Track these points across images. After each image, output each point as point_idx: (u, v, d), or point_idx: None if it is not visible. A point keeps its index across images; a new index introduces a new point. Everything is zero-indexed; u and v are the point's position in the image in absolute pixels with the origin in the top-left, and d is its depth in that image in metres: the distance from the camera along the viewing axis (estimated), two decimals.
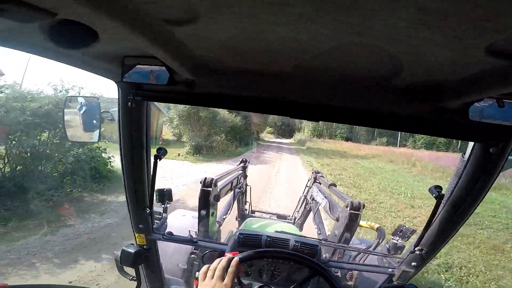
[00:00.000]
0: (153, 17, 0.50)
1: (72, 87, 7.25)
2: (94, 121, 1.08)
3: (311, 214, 2.80)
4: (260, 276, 1.26)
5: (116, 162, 8.45)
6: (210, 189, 1.69)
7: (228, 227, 2.68)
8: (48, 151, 6.27)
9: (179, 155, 12.82)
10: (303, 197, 3.30)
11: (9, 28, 0.52)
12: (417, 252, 1.13)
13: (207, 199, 1.69)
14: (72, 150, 6.85)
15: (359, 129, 41.63)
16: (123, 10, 0.45)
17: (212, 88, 0.88)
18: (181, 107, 13.79)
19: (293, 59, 0.65)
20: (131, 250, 1.25)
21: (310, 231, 2.81)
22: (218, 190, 1.86)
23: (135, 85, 0.87)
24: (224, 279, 0.78)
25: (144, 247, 1.29)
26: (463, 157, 0.93)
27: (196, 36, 0.59)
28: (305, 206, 3.11)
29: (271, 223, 2.45)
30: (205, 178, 1.72)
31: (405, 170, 15.72)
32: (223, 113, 16.85)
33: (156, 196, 1.40)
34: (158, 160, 1.06)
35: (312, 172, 3.21)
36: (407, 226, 1.44)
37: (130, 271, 1.31)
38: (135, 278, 1.33)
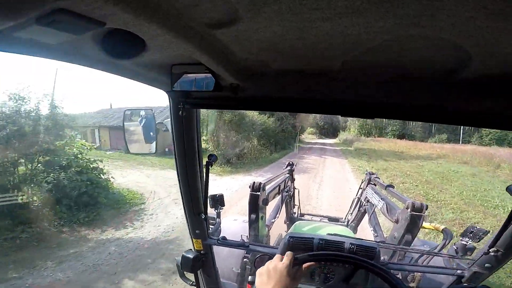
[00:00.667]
0: (195, 21, 0.51)
1: (28, 93, 5.94)
2: (151, 133, 1.15)
3: (366, 216, 2.67)
4: (312, 279, 1.22)
5: (117, 182, 7.50)
6: (259, 193, 1.71)
7: (277, 230, 2.65)
8: (15, 177, 4.97)
9: None
10: (356, 199, 3.18)
11: (64, 41, 0.54)
12: (492, 254, 1.05)
13: (256, 203, 1.72)
14: (52, 173, 5.55)
15: (414, 125, 37.68)
16: (165, 16, 0.47)
17: (256, 91, 0.88)
18: (203, 111, 13.11)
19: (342, 56, 0.62)
20: (190, 255, 1.30)
21: (365, 234, 2.69)
22: (266, 194, 1.87)
23: (184, 93, 0.89)
24: (281, 275, 0.80)
25: (201, 252, 1.33)
26: None
27: (238, 38, 0.59)
28: (359, 208, 2.99)
29: (323, 226, 2.41)
30: (254, 183, 1.76)
31: (487, 173, 12.57)
32: (252, 114, 15.35)
33: (209, 202, 1.41)
34: (209, 166, 1.09)
35: (366, 173, 3.07)
36: (478, 227, 1.34)
37: (190, 276, 1.36)
38: (194, 284, 1.38)
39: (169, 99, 1.00)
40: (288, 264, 0.82)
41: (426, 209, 1.60)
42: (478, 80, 0.65)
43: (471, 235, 1.33)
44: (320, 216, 3.56)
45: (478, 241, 1.31)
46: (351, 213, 3.30)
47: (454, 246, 1.36)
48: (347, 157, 17.75)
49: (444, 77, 0.66)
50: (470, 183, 10.48)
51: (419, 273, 1.53)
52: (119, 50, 0.59)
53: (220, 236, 1.34)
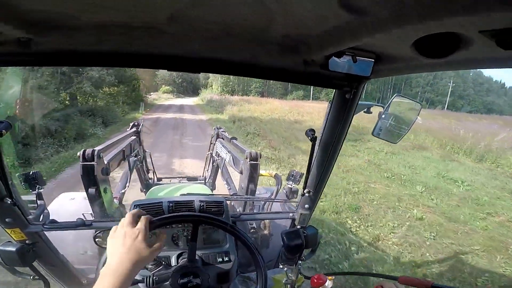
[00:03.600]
0: None
1: None
2: None
3: (220, 170, 2.79)
4: (176, 245, 1.18)
5: None
6: (93, 163, 1.45)
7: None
8: None
9: None
10: (209, 154, 3.22)
11: None
12: (306, 195, 1.25)
13: (91, 174, 1.46)
14: None
15: (273, 83, 37.45)
16: None
17: (60, 45, 0.75)
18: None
19: (167, 9, 0.58)
20: (11, 248, 1.07)
21: (222, 188, 2.80)
22: (106, 162, 1.62)
23: None
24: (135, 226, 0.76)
25: (27, 242, 1.12)
26: (330, 103, 1.07)
27: None
28: (212, 163, 3.05)
29: (180, 187, 2.39)
30: (84, 151, 1.47)
31: (459, 165, 9.43)
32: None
33: (21, 183, 1.21)
34: (0, 136, 0.87)
35: (214, 128, 3.12)
36: (296, 170, 1.55)
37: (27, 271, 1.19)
38: (37, 277, 1.19)
39: None
40: (142, 227, 0.75)
41: (260, 157, 1.76)
42: (281, 40, 0.74)
43: (292, 178, 1.54)
44: (179, 177, 3.49)
45: (298, 184, 1.52)
46: (207, 170, 3.29)
47: (284, 191, 1.59)
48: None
49: (257, 35, 0.71)
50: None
51: (268, 220, 1.69)
52: None
53: (49, 219, 1.14)
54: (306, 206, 1.32)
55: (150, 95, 27.95)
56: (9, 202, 1.01)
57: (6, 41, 0.67)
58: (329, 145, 1.12)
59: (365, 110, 1.14)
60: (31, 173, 1.24)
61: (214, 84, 43.04)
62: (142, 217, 0.82)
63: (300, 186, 1.47)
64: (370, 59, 0.79)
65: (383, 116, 1.13)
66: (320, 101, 31.94)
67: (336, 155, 1.17)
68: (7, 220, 1.05)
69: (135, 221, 0.80)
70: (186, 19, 0.63)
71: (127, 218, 0.80)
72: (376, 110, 1.18)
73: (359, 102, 1.04)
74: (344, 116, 1.04)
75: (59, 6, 0.57)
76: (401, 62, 0.77)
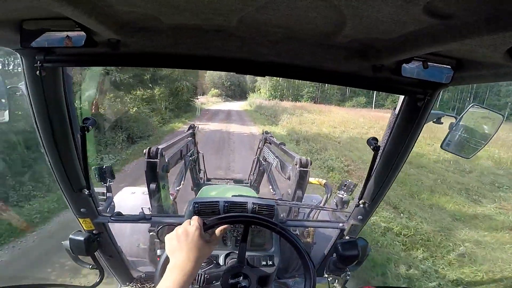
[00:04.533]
0: None
1: None
2: (2, 99, 0.97)
3: (265, 175, 2.91)
4: (225, 244, 1.29)
5: None
6: (157, 160, 1.62)
7: (186, 198, 2.28)
8: None
9: None
10: (256, 159, 3.39)
11: None
12: (361, 206, 1.26)
13: (154, 171, 1.63)
14: None
15: (329, 87, 36.36)
16: None
17: (144, 47, 0.84)
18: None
19: (238, 12, 0.62)
20: (80, 237, 1.23)
21: (266, 192, 2.98)
22: (166, 160, 1.80)
23: (42, 50, 0.78)
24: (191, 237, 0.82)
25: (94, 232, 1.28)
26: (394, 111, 1.07)
27: None
28: (258, 168, 3.22)
29: (228, 189, 2.54)
30: (149, 148, 1.65)
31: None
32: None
33: (95, 176, 1.37)
34: (86, 132, 0.98)
35: (262, 133, 3.29)
36: (350, 180, 1.58)
37: (88, 260, 1.32)
38: (95, 267, 1.34)
39: (21, 58, 0.86)
40: (198, 227, 0.84)
41: (311, 164, 1.84)
42: (348, 45, 0.76)
43: (345, 188, 1.56)
44: (226, 179, 3.76)
45: (351, 194, 1.55)
46: (253, 174, 3.49)
47: (334, 200, 1.59)
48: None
49: (323, 39, 0.74)
50: None
51: (312, 228, 1.75)
52: None
53: (115, 212, 1.29)
54: (360, 217, 1.32)
55: (198, 98, 25.75)
56: (86, 193, 1.14)
57: (98, 42, 0.76)
58: (393, 155, 1.10)
59: (435, 120, 1.09)
60: (104, 167, 1.39)
61: (262, 88, 40.52)
62: (194, 217, 0.89)
63: (351, 197, 1.49)
64: (449, 66, 0.76)
65: (454, 127, 1.09)
66: (386, 110, 29.26)
67: (400, 166, 1.14)
68: (82, 210, 1.19)
69: (189, 222, 0.88)
70: (255, 23, 0.67)
71: (186, 221, 0.88)
72: (447, 120, 1.12)
73: (431, 111, 0.99)
74: (414, 126, 1.01)
75: (142, 8, 0.63)
76: (488, 69, 0.73)
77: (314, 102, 34.42)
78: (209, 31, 0.75)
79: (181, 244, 0.80)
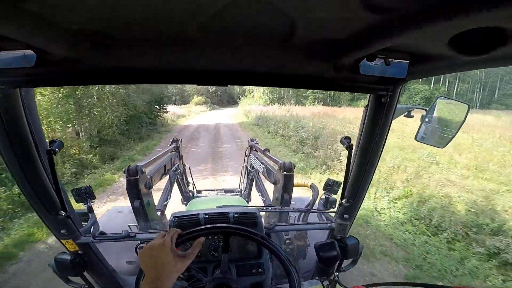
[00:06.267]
0: None
1: None
2: None
3: (254, 182, 3.09)
4: (213, 255, 1.38)
5: None
6: (137, 177, 1.73)
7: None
8: None
9: None
10: (244, 167, 3.68)
11: None
12: (345, 204, 1.39)
13: (136, 188, 1.75)
14: None
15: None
16: None
17: (101, 63, 0.89)
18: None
19: (195, 20, 0.66)
20: (66, 257, 1.32)
21: (258, 199, 3.05)
22: (148, 177, 1.91)
23: None
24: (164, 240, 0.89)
25: (79, 252, 1.35)
26: (365, 109, 1.17)
27: (59, 7, 0.57)
28: (247, 176, 3.48)
29: (218, 199, 2.84)
30: (129, 167, 1.74)
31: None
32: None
33: (74, 197, 1.48)
34: (53, 155, 1.04)
35: (248, 141, 3.56)
36: (333, 180, 1.76)
37: (79, 279, 1.40)
38: (87, 286, 1.44)
39: None
40: (168, 240, 0.89)
41: (294, 168, 2.01)
42: (306, 46, 0.82)
43: (329, 188, 1.76)
44: (217, 190, 4.04)
45: (336, 193, 1.72)
46: (243, 182, 3.78)
47: (321, 200, 1.78)
48: None
49: (281, 42, 0.80)
50: None
51: (305, 231, 1.85)
52: None
53: (98, 231, 1.37)
54: (345, 216, 1.42)
55: (166, 111, 20.52)
56: (63, 214, 1.19)
57: (51, 61, 0.79)
58: (367, 152, 1.20)
59: (405, 114, 1.22)
60: (83, 188, 1.47)
61: (257, 91, 37.62)
62: (171, 229, 0.95)
63: (337, 196, 1.56)
64: (405, 60, 0.83)
65: (426, 119, 1.23)
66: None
67: (376, 162, 1.23)
68: (61, 231, 1.25)
69: (163, 235, 0.92)
70: (213, 30, 0.71)
71: (159, 234, 0.93)
72: (418, 114, 1.24)
73: (398, 106, 1.09)
74: (382, 122, 1.10)
75: (91, 25, 0.67)
76: (439, 61, 0.80)
77: (323, 104, 32.34)
78: (166, 43, 0.79)
79: (152, 260, 0.85)
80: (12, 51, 0.74)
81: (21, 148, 1.01)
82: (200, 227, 1.09)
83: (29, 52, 0.74)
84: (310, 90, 35.03)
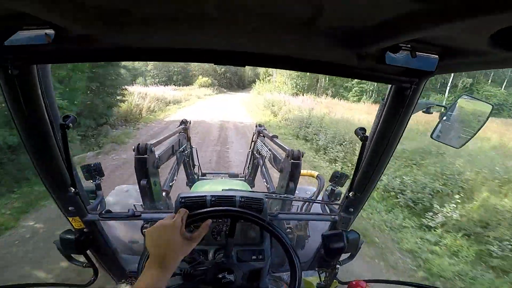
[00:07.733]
0: None
1: None
2: None
3: (259, 168, 3.26)
4: (215, 239, 1.48)
5: None
6: (146, 156, 1.84)
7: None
8: None
9: None
10: (250, 152, 3.92)
11: None
12: (352, 197, 1.48)
13: (144, 167, 1.86)
14: None
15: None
16: None
17: (118, 41, 0.95)
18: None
19: (212, 0, 0.66)
20: (71, 236, 1.45)
21: (262, 185, 3.30)
22: (157, 156, 2.02)
23: (10, 48, 0.87)
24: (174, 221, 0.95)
25: (84, 230, 1.48)
26: (383, 100, 1.22)
27: None
28: (253, 161, 3.73)
29: (223, 182, 3.06)
30: (139, 145, 1.84)
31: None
32: None
33: (83, 174, 1.59)
34: (66, 130, 1.13)
35: (256, 126, 3.72)
36: (341, 172, 1.87)
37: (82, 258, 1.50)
38: (89, 265, 1.59)
39: None
40: (178, 221, 0.95)
41: (302, 156, 2.12)
42: (330, 32, 0.84)
43: (336, 180, 1.89)
44: (222, 173, 4.38)
45: (342, 186, 1.85)
46: (248, 167, 4.05)
47: (326, 192, 1.90)
48: None
49: (303, 27, 0.82)
50: None
51: (306, 221, 1.97)
52: None
53: (105, 209, 1.48)
54: (350, 209, 1.49)
55: (122, 100, 12.70)
56: (72, 191, 1.27)
57: (68, 38, 0.84)
58: (381, 146, 1.23)
59: (424, 110, 1.26)
60: (92, 165, 1.57)
61: (279, 77, 32.82)
62: (180, 209, 0.99)
63: (343, 189, 1.62)
64: (434, 53, 0.84)
65: (444, 118, 1.28)
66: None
67: (389, 157, 1.26)
68: (70, 208, 1.33)
69: (172, 216, 0.97)
70: (232, 9, 0.74)
71: (169, 215, 0.97)
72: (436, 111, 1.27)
73: (419, 100, 1.10)
74: (401, 115, 1.13)
75: (110, 1, 0.70)
76: (474, 56, 0.80)
77: (374, 102, 27.35)
78: (184, 21, 0.83)
79: (160, 239, 0.88)
80: (30, 29, 0.80)
81: (36, 123, 1.09)
82: (209, 209, 1.15)
83: (47, 29, 0.80)
84: (356, 81, 33.62)
